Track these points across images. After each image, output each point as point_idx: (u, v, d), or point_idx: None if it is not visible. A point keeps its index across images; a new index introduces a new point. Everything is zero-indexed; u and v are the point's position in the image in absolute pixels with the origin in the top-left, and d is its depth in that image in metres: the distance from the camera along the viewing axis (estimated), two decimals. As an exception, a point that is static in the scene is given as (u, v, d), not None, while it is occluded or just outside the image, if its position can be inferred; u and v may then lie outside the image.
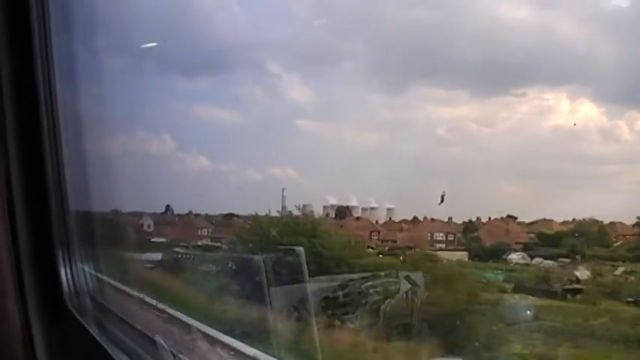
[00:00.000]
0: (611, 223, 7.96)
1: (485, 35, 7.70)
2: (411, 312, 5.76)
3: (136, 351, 2.60)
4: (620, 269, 7.32)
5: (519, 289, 7.37)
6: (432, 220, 9.13)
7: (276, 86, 9.50)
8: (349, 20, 8.02)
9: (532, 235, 8.68)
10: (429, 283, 6.11)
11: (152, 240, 9.22)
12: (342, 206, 9.54)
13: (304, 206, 8.84)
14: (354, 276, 6.60)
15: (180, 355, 2.51)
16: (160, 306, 4.37)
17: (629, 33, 6.50)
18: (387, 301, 6.00)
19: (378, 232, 9.35)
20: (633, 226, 7.98)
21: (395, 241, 9.20)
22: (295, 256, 5.11)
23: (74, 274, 2.69)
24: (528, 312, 6.63)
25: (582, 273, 7.50)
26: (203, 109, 9.78)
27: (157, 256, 8.16)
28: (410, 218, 9.50)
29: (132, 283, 4.43)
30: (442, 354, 5.60)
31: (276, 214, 8.67)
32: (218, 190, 9.44)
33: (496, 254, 8.32)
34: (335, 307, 6.17)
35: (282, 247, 6.28)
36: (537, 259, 8.06)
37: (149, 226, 9.41)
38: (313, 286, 5.34)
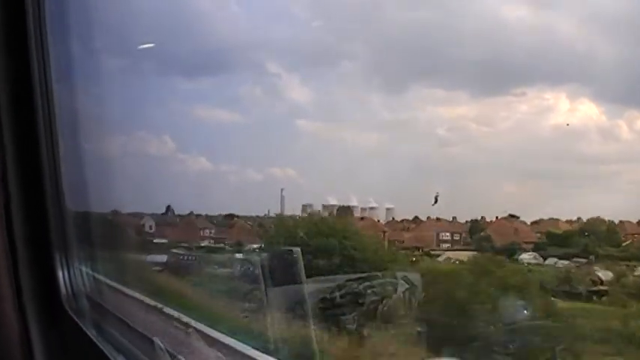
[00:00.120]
0: (620, 222, 7.91)
1: (485, 35, 7.70)
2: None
3: (133, 352, 2.60)
4: (640, 269, 7.19)
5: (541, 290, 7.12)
6: (437, 219, 9.08)
7: (276, 86, 9.50)
8: (349, 20, 8.02)
9: (539, 235, 8.60)
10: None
11: (154, 241, 9.16)
12: (343, 206, 9.53)
13: (307, 206, 8.83)
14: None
15: (179, 357, 2.50)
16: (174, 314, 4.00)
17: (629, 33, 6.50)
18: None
19: (384, 232, 9.30)
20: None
21: (402, 241, 9.17)
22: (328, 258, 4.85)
23: (72, 275, 2.68)
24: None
25: (605, 274, 7.36)
26: (203, 110, 9.79)
27: (163, 257, 8.05)
28: (411, 218, 9.50)
29: (137, 286, 4.39)
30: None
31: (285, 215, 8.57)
32: (218, 190, 9.44)
33: (508, 254, 8.16)
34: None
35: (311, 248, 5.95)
36: (551, 259, 7.91)
37: (150, 227, 9.32)
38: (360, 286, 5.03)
